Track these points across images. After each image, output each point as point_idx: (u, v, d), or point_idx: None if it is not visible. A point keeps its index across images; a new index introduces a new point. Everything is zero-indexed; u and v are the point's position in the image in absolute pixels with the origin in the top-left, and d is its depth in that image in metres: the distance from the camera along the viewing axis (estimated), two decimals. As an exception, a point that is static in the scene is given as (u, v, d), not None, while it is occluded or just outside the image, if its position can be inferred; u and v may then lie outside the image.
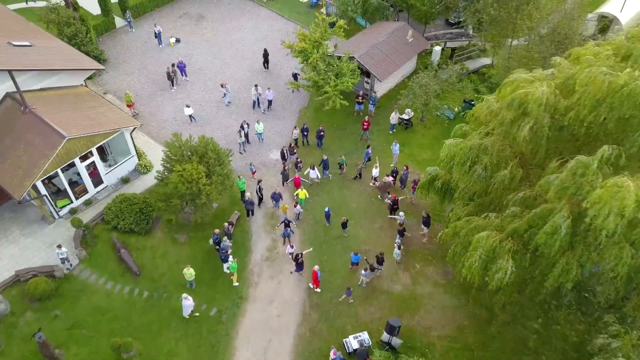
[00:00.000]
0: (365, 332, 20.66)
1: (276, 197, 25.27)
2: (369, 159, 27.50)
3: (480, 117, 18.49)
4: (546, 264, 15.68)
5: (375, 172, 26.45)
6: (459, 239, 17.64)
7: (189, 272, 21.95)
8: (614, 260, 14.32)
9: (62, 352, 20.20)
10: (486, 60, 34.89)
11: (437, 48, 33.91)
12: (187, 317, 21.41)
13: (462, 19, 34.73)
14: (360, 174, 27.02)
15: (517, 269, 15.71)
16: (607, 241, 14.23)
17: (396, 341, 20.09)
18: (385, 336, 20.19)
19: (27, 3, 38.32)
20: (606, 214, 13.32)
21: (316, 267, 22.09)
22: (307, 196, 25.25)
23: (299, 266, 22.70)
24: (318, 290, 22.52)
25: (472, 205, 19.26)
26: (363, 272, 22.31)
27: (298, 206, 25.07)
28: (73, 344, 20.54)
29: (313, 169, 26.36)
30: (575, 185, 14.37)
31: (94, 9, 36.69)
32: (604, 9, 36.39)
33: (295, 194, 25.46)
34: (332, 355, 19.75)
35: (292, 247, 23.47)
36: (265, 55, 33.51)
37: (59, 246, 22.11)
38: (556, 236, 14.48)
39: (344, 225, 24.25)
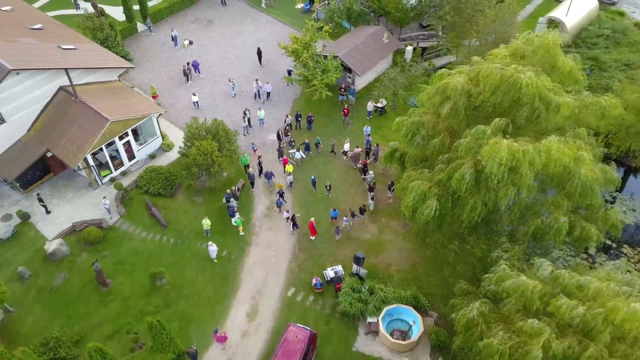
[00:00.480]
0: (340, 265, 27.19)
1: (269, 176, 31.66)
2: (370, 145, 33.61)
3: (422, 101, 24.95)
4: (461, 204, 22.12)
5: (346, 146, 32.98)
6: (404, 191, 24.13)
7: (206, 223, 28.53)
8: (504, 197, 20.72)
9: (110, 280, 26.81)
10: (451, 58, 41.23)
11: (409, 48, 40.31)
12: (215, 260, 27.79)
13: (431, 23, 41.06)
14: (333, 150, 33.47)
15: (442, 208, 22.16)
16: (499, 185, 20.67)
17: (362, 271, 26.64)
18: (354, 268, 26.73)
19: (78, 10, 44.54)
20: (492, 163, 19.74)
21: (312, 219, 28.60)
22: (292, 169, 31.77)
23: (295, 225, 29.12)
24: (313, 238, 28.97)
25: (418, 168, 25.70)
26: (345, 218, 28.88)
27: (290, 177, 31.57)
28: (118, 275, 27.15)
29: (298, 151, 32.81)
30: (476, 145, 20.80)
31: (119, 16, 43.24)
32: (554, 13, 42.65)
33: (285, 170, 31.96)
34: (314, 281, 26.31)
35: (287, 211, 29.86)
36: (259, 53, 40.04)
37: (104, 197, 28.89)
38: (463, 181, 20.92)
39: (329, 188, 30.74)
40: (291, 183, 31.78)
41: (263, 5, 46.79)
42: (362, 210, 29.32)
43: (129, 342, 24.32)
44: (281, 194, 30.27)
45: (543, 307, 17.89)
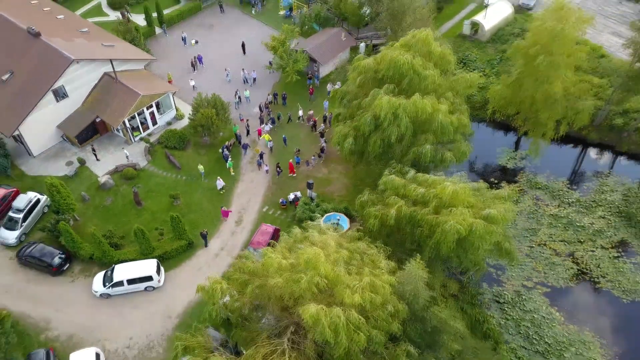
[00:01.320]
0: (299, 192, 39.78)
1: (245, 147, 44.18)
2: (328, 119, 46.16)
3: (349, 77, 37.60)
4: (369, 141, 34.60)
5: (300, 112, 45.74)
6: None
7: (201, 167, 41.29)
8: (392, 134, 33.15)
9: (143, 202, 39.55)
10: (395, 52, 53.66)
11: (362, 44, 52.89)
12: (221, 191, 40.36)
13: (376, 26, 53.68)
14: (290, 118, 46.07)
15: (356, 144, 34.71)
16: (388, 126, 33.12)
17: (313, 194, 39.26)
18: (308, 192, 39.33)
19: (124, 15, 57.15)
20: (380, 111, 32.23)
21: (290, 161, 41.19)
22: (270, 138, 44.23)
23: (279, 170, 41.51)
24: (294, 175, 41.43)
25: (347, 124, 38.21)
26: (313, 157, 41.49)
27: (270, 142, 44.09)
28: (148, 199, 39.87)
29: (266, 124, 45.36)
30: (373, 102, 33.33)
31: (141, 22, 56.19)
32: (476, 17, 55.12)
33: (262, 137, 44.50)
34: (280, 200, 38.97)
35: (266, 166, 42.33)
36: (243, 46, 52.93)
37: (123, 148, 41.95)
38: (366, 125, 33.47)
39: (298, 151, 43.24)
40: (272, 148, 44.22)
41: (253, 12, 59.61)
42: (323, 150, 42.00)
43: (156, 236, 37.03)
44: (261, 156, 42.76)
45: (403, 193, 30.28)
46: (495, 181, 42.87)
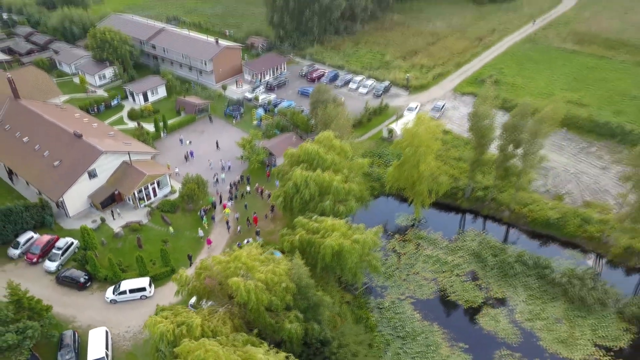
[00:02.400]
0: (251, 238, 57.75)
1: (213, 218, 63.26)
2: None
3: (284, 161, 57.58)
4: (294, 200, 53.46)
5: (247, 188, 65.25)
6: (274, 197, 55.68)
7: (200, 232, 59.86)
8: (306, 194, 52.09)
9: (143, 246, 57.53)
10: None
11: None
12: (200, 237, 58.55)
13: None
14: (249, 192, 65.48)
15: (286, 201, 53.57)
16: (303, 189, 52.20)
17: (259, 239, 57.21)
18: (257, 238, 57.33)
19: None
20: (297, 179, 51.51)
21: (255, 214, 59.71)
22: (229, 212, 63.12)
23: (249, 223, 60.16)
24: (256, 225, 59.77)
25: (280, 188, 57.26)
26: (265, 215, 60.09)
27: (236, 214, 63.00)
28: (147, 244, 57.83)
29: (228, 201, 64.73)
30: (293, 174, 52.83)
31: (151, 128, 78.10)
32: (392, 125, 76.64)
33: (224, 210, 63.55)
34: (237, 244, 56.94)
35: (228, 224, 60.94)
36: (217, 143, 74.00)
37: (119, 213, 60.87)
38: (289, 188, 52.59)
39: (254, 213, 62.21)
40: (237, 218, 62.89)
41: (234, 122, 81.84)
42: (272, 209, 60.69)
43: (150, 265, 54.43)
44: (227, 222, 61.35)
45: (307, 227, 48.34)
46: (392, 233, 60.88)
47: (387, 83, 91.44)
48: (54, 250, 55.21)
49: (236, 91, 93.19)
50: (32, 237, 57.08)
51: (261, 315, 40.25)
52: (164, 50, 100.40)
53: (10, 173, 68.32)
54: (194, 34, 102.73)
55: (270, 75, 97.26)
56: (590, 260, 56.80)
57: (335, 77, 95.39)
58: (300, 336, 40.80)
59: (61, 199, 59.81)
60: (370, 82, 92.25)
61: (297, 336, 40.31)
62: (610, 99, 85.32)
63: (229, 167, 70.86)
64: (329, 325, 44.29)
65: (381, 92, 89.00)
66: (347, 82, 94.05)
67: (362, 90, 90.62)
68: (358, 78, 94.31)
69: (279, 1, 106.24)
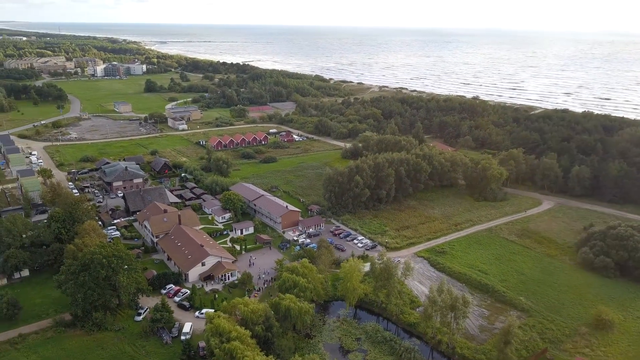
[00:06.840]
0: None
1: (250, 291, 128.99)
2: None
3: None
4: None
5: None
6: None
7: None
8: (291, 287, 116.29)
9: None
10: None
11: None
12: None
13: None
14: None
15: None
16: (291, 287, 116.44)
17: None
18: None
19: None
20: (286, 280, 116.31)
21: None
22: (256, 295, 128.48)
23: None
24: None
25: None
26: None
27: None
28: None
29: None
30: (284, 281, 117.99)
31: (237, 247, 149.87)
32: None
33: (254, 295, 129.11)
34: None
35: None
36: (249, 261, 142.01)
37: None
38: (283, 282, 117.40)
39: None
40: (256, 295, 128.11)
41: (282, 251, 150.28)
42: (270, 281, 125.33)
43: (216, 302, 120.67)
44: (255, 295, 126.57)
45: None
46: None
47: (375, 243, 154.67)
48: (179, 293, 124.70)
49: (291, 235, 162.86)
50: (171, 287, 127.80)
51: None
52: (259, 206, 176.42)
53: (168, 259, 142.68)
54: (277, 199, 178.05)
55: (312, 228, 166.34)
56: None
57: (347, 235, 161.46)
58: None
59: (187, 272, 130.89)
60: (366, 240, 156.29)
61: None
62: (506, 273, 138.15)
63: (268, 273, 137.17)
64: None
65: (369, 247, 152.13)
66: (353, 239, 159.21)
67: (360, 245, 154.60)
68: (360, 237, 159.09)
69: (330, 187, 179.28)
